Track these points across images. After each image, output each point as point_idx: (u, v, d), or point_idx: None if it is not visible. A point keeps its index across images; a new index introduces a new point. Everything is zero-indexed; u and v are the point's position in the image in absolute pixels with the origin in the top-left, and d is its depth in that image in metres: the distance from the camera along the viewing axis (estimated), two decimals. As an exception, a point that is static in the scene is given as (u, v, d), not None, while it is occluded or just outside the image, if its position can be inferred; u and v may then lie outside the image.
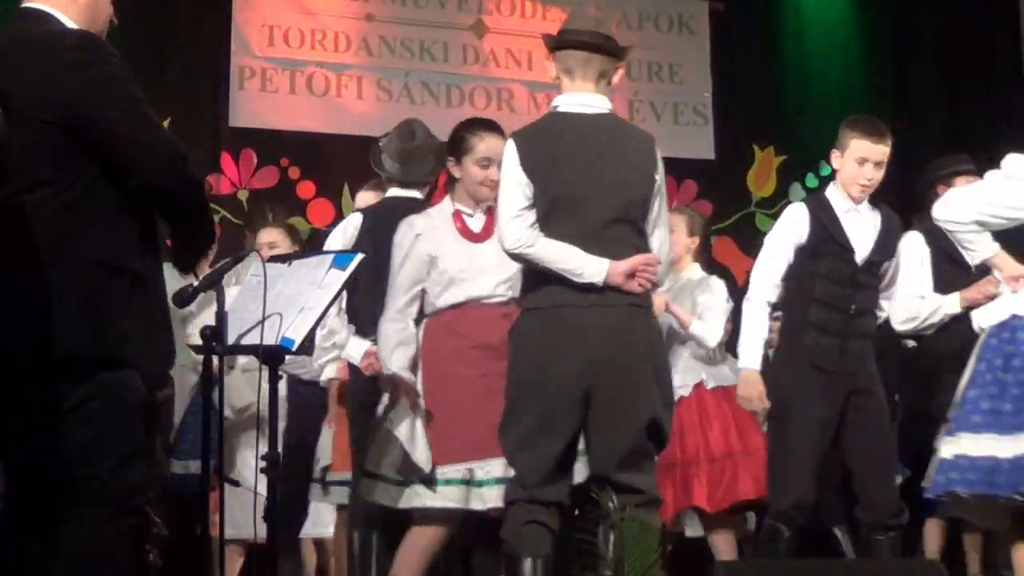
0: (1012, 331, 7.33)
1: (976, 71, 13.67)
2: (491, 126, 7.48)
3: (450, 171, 7.50)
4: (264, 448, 6.23)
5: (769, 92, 13.27)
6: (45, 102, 4.96)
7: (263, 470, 6.43)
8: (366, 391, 7.71)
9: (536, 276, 6.55)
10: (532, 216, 6.50)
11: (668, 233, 6.81)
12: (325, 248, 7.90)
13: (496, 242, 6.94)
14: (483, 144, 7.31)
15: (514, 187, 6.53)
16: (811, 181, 12.95)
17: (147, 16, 10.97)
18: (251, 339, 6.35)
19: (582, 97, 6.65)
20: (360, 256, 6.80)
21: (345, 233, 8.11)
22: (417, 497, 7.18)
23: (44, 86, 4.97)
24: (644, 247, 6.56)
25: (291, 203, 11.04)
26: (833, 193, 7.93)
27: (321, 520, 9.06)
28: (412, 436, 7.22)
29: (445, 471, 7.13)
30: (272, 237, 9.12)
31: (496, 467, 7.07)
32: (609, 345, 6.46)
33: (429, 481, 7.12)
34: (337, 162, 11.50)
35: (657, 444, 6.63)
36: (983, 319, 7.73)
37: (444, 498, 7.13)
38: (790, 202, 11.78)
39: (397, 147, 8.29)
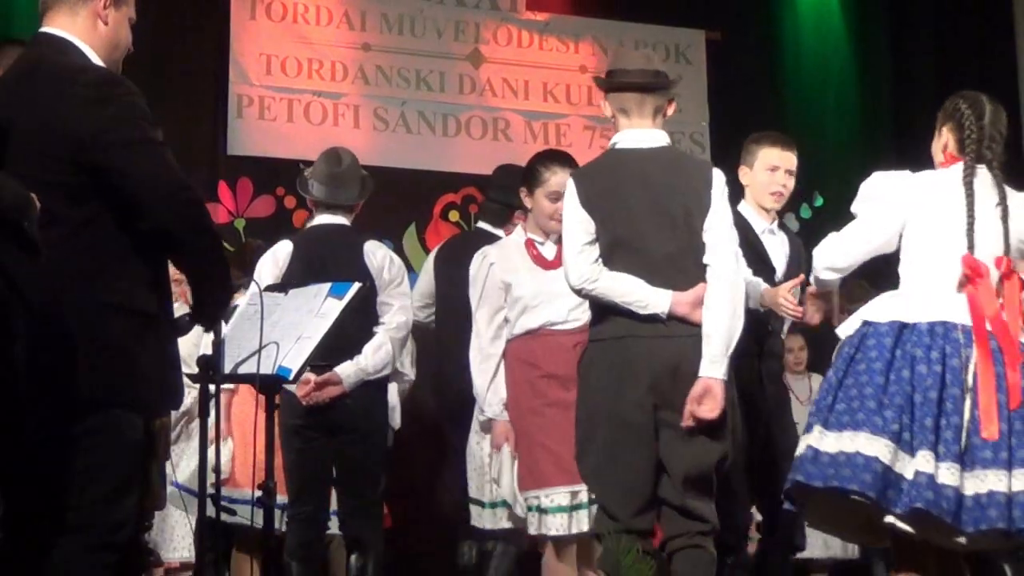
0: (861, 338, 7.30)
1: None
2: (564, 160, 7.67)
3: (523, 201, 7.68)
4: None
5: (765, 122, 13.18)
6: (57, 138, 4.94)
7: (259, 500, 6.55)
8: (298, 414, 7.92)
9: (603, 308, 6.59)
10: (595, 252, 6.56)
11: (732, 249, 6.78)
12: (255, 275, 7.86)
13: None
14: (555, 178, 7.49)
15: (575, 224, 6.60)
16: (805, 212, 13.13)
17: (145, 44, 10.90)
18: (248, 367, 6.39)
19: (640, 133, 6.71)
20: (358, 285, 6.93)
21: (276, 259, 8.21)
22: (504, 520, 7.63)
23: (59, 122, 4.95)
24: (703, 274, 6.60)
25: (286, 232, 11.08)
26: (747, 211, 7.99)
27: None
28: (501, 467, 7.54)
29: (553, 495, 7.36)
30: None
31: (560, 496, 7.32)
32: (677, 373, 6.47)
33: (538, 508, 7.40)
34: (332, 192, 11.48)
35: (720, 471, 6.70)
36: (842, 329, 7.73)
37: (547, 524, 7.38)
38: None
39: (324, 172, 8.37)
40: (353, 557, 8.27)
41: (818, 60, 14.05)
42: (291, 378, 6.61)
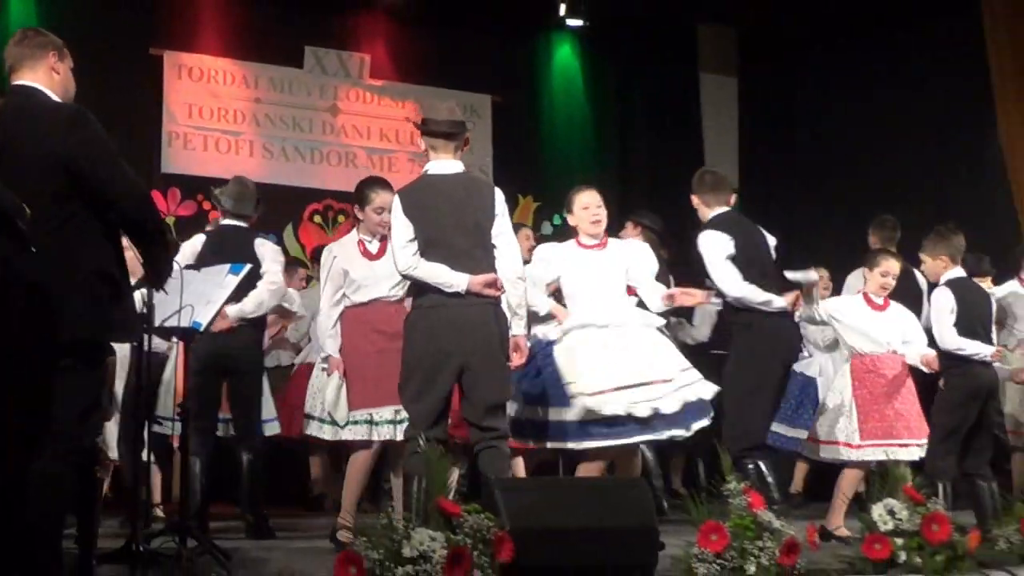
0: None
1: (674, 146, 13.69)
2: (383, 184, 7.61)
3: (355, 213, 7.63)
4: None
5: (530, 158, 13.37)
6: (49, 156, 4.93)
7: (179, 414, 6.76)
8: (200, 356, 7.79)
9: (421, 286, 6.59)
10: (415, 247, 6.53)
11: (514, 249, 6.78)
12: (179, 259, 7.88)
13: (389, 258, 7.03)
14: (379, 198, 7.49)
15: (401, 228, 6.56)
16: (556, 219, 12.90)
17: (106, 93, 10.97)
18: (171, 322, 6.53)
19: (445, 163, 6.68)
20: (249, 266, 7.06)
21: (193, 248, 8.20)
22: (343, 432, 7.51)
23: (50, 144, 4.94)
24: (494, 264, 6.63)
25: (203, 227, 11.06)
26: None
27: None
28: (337, 393, 7.50)
29: (380, 413, 7.38)
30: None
31: (387, 412, 7.35)
32: (474, 331, 6.52)
33: (367, 422, 7.40)
34: (234, 199, 11.43)
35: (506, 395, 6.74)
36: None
37: (354, 433, 7.42)
38: (543, 234, 12.27)
39: (234, 191, 8.40)
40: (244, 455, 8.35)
41: (564, 117, 14.00)
42: (202, 330, 6.72)
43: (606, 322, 7.66)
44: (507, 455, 6.65)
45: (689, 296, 8.03)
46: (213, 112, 12.25)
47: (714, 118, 14.59)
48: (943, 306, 8.25)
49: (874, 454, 8.15)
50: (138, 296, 6.09)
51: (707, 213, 7.90)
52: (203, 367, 7.85)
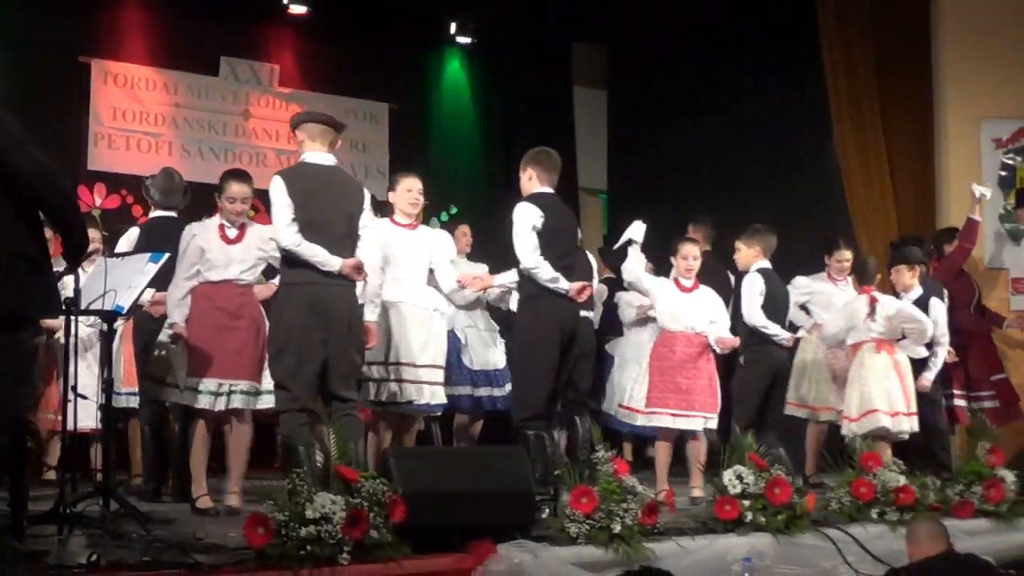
0: None
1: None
2: (238, 176, 7.44)
3: (216, 200, 7.47)
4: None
5: (423, 160, 13.33)
6: None
7: (104, 388, 6.65)
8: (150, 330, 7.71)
9: (296, 263, 6.54)
10: (296, 226, 6.53)
11: (374, 241, 6.85)
12: (116, 249, 7.94)
13: (244, 244, 7.10)
14: (231, 188, 7.30)
15: (283, 208, 6.55)
16: (444, 217, 13.04)
17: (42, 99, 10.89)
18: (96, 306, 6.47)
19: (320, 155, 6.71)
20: (167, 255, 6.95)
21: (129, 239, 8.11)
22: (185, 397, 7.22)
23: None
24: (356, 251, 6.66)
25: (128, 218, 10.94)
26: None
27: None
28: (181, 360, 7.21)
29: (204, 383, 7.11)
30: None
31: (240, 384, 7.13)
32: (339, 309, 6.54)
33: (194, 389, 7.13)
34: (155, 194, 11.27)
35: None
36: None
37: (199, 401, 7.17)
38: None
39: (162, 184, 8.28)
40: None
41: (455, 121, 13.98)
42: (124, 312, 6.68)
43: (404, 299, 7.66)
44: (361, 423, 6.70)
45: (479, 280, 8.13)
46: (136, 115, 12.07)
47: (586, 127, 14.74)
48: (754, 288, 8.54)
49: (661, 420, 8.18)
50: (69, 281, 6.00)
51: (530, 188, 7.58)
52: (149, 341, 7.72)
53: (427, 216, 12.93)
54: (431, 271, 7.88)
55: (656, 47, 13.69)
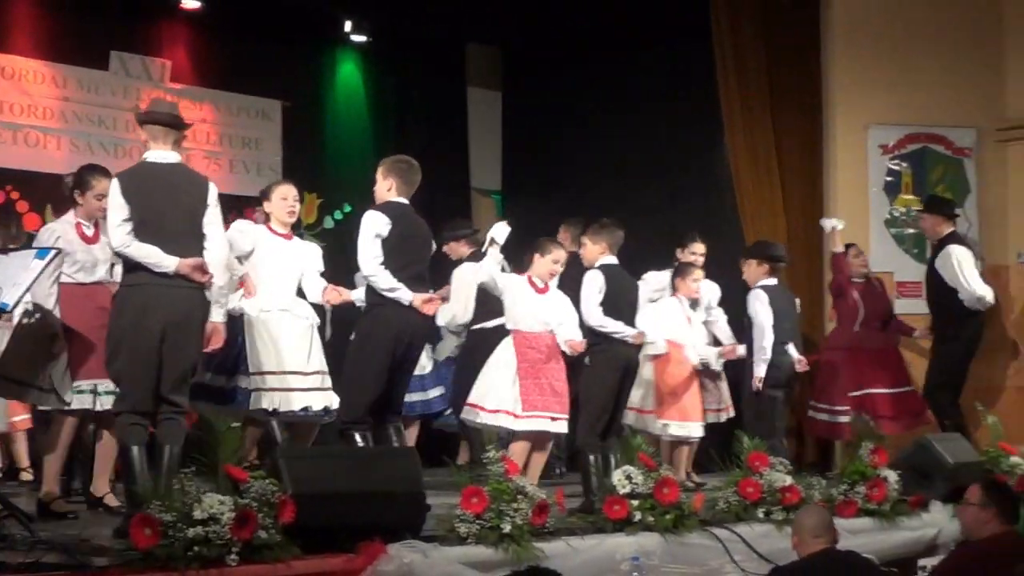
0: None
1: (442, 153, 13.49)
2: (106, 172, 7.35)
3: (74, 197, 7.36)
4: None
5: (316, 158, 13.28)
6: None
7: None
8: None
9: (134, 265, 6.41)
10: (129, 227, 6.35)
11: (222, 239, 6.73)
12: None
13: (104, 242, 6.99)
14: (100, 184, 7.24)
15: (118, 208, 6.39)
16: (338, 215, 13.04)
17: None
18: None
19: (163, 154, 6.54)
20: (55, 251, 6.83)
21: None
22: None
23: None
24: (203, 251, 6.52)
25: (11, 215, 10.76)
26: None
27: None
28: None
29: (79, 384, 7.06)
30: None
31: (111, 385, 6.94)
32: (177, 311, 6.39)
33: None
34: (42, 190, 11.04)
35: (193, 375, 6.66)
36: None
37: (79, 402, 7.13)
38: (324, 228, 12.43)
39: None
40: None
41: (349, 120, 13.85)
42: (9, 309, 6.48)
43: (284, 308, 7.81)
44: (184, 428, 6.49)
45: (336, 294, 8.07)
46: (24, 109, 11.81)
47: (481, 127, 14.73)
48: (592, 287, 8.36)
49: (533, 424, 8.04)
50: None
51: (385, 196, 7.69)
52: None
53: (321, 214, 12.97)
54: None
55: (551, 48, 13.73)
